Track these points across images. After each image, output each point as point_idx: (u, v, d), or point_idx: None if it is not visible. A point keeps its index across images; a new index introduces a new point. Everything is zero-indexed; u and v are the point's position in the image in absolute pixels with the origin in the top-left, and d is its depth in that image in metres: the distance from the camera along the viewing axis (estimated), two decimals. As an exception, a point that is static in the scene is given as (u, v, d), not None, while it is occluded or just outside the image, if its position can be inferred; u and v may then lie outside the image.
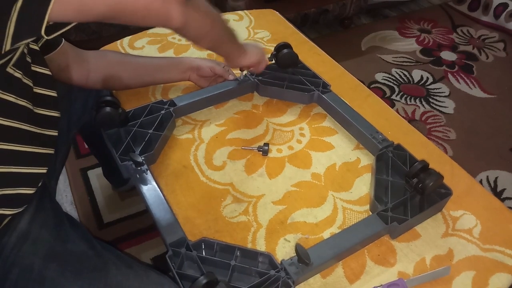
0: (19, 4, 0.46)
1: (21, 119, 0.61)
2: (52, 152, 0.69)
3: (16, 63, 0.58)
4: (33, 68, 0.64)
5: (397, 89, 1.85)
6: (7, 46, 0.49)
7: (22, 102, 0.61)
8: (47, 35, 0.51)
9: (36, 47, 0.66)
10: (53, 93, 0.69)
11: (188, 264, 0.67)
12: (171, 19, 0.60)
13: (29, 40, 0.52)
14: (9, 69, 0.57)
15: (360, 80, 1.06)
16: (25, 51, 0.61)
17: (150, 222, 1.28)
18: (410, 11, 2.43)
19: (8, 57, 0.55)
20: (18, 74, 0.59)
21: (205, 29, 0.68)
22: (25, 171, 0.64)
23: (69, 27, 0.55)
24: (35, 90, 0.65)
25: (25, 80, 0.61)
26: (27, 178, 0.64)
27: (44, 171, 0.67)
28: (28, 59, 0.63)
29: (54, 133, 0.70)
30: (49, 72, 0.68)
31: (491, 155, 1.58)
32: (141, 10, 0.56)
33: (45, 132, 0.67)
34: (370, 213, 0.76)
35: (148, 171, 0.78)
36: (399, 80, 1.91)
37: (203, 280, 0.57)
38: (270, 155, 0.86)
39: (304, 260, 0.63)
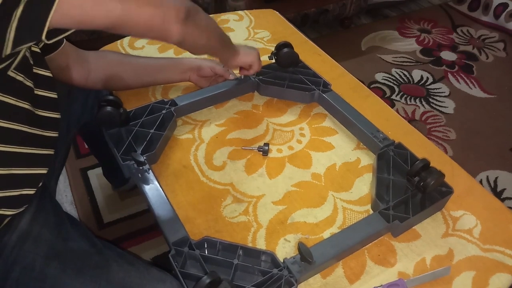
0: (19, 11, 0.46)
1: (21, 121, 0.62)
2: (52, 152, 0.69)
3: (18, 66, 0.58)
4: (34, 71, 0.65)
5: (397, 89, 1.85)
6: (7, 50, 0.50)
7: (22, 104, 0.61)
8: (48, 40, 0.51)
9: (37, 49, 0.66)
10: (54, 95, 0.69)
11: (190, 263, 0.67)
12: (170, 36, 0.62)
13: (29, 44, 0.52)
14: (10, 73, 0.57)
15: (360, 80, 1.06)
16: (27, 54, 0.62)
17: (150, 222, 1.28)
18: (410, 11, 2.43)
19: (9, 61, 0.56)
20: (20, 77, 0.60)
21: (201, 43, 0.71)
22: (25, 172, 0.64)
23: (69, 32, 0.55)
24: (36, 92, 0.65)
25: (26, 83, 0.61)
26: (27, 179, 0.64)
27: (45, 171, 0.68)
28: (30, 62, 0.63)
29: (54, 134, 0.70)
30: (50, 74, 0.68)
31: (491, 155, 1.58)
32: (142, 26, 0.57)
33: (46, 133, 0.68)
34: (370, 213, 0.76)
35: (150, 170, 0.78)
36: (399, 80, 1.91)
37: (206, 280, 0.57)
38: (270, 155, 0.86)
39: (307, 258, 0.63)
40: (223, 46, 0.81)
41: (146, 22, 0.57)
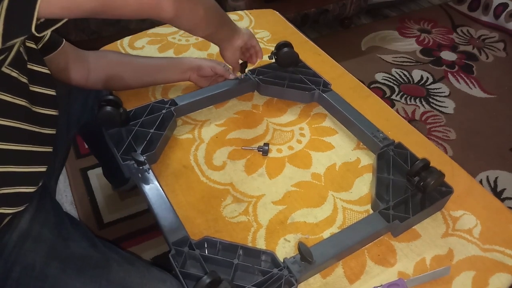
0: (5, 3, 0.46)
1: (18, 118, 0.61)
2: (50, 150, 0.69)
3: (12, 62, 0.58)
4: (29, 66, 0.64)
5: (397, 89, 1.85)
6: None
7: (19, 101, 0.61)
8: (38, 33, 0.51)
9: (32, 45, 0.66)
10: (51, 92, 0.69)
11: (191, 263, 0.67)
12: (162, 11, 0.59)
13: (21, 38, 0.51)
14: (4, 69, 0.57)
15: (360, 80, 1.06)
16: (21, 50, 0.61)
17: (150, 222, 1.28)
18: (410, 11, 2.44)
19: (2, 56, 0.55)
20: (14, 74, 0.59)
21: (198, 17, 0.68)
22: (24, 170, 0.64)
23: (60, 24, 0.54)
24: (31, 88, 0.64)
25: (21, 79, 0.61)
26: (27, 177, 0.64)
27: (44, 169, 0.67)
28: (24, 57, 0.63)
29: (52, 131, 0.70)
30: (46, 71, 0.68)
31: (491, 155, 1.58)
32: (132, 3, 0.55)
33: (44, 130, 0.67)
34: (370, 213, 0.76)
35: (150, 170, 0.78)
36: (399, 80, 1.91)
37: (206, 280, 0.57)
38: (270, 155, 0.86)
39: (307, 258, 0.63)
40: (222, 22, 0.77)
41: None
